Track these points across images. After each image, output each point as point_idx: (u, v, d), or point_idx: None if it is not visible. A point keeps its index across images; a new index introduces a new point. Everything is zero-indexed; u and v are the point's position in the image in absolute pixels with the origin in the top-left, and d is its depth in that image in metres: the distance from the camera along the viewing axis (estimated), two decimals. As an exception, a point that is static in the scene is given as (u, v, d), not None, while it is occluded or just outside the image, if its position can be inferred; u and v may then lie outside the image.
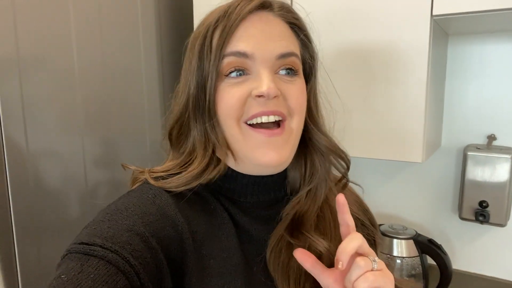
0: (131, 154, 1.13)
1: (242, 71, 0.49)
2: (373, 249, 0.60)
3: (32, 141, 0.86)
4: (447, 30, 1.00)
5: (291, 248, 0.52)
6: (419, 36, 0.82)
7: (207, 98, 0.49)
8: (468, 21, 0.87)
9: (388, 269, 0.73)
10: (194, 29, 1.12)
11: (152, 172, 0.53)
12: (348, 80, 0.91)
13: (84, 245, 0.40)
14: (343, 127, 0.59)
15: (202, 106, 0.49)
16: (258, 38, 0.48)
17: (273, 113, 0.48)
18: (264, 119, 0.48)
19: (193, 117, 0.51)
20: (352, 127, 0.91)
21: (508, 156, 0.98)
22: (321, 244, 0.52)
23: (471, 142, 1.08)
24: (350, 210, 0.51)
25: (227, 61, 0.48)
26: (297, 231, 0.54)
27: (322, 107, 0.58)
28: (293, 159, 0.55)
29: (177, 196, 0.50)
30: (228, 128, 0.49)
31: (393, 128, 0.88)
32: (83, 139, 0.98)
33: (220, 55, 0.48)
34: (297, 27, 0.53)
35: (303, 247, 0.52)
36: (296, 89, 0.50)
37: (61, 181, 0.94)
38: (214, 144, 0.50)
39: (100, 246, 0.40)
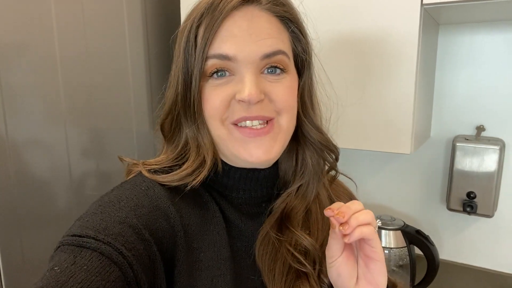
0: (117, 145, 1.11)
1: (225, 72, 0.48)
2: None
3: (12, 130, 0.84)
4: (438, 20, 0.99)
5: (278, 242, 0.52)
6: (410, 26, 0.81)
7: (193, 99, 0.48)
8: (458, 10, 0.86)
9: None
10: (181, 17, 1.10)
11: (146, 164, 0.53)
12: (337, 70, 0.90)
13: (77, 237, 0.40)
14: (337, 119, 0.58)
15: (189, 105, 0.49)
16: (242, 38, 0.46)
17: (256, 118, 0.47)
18: (248, 123, 0.48)
19: (183, 114, 0.50)
20: (342, 118, 0.90)
21: (496, 147, 0.98)
22: (306, 240, 0.52)
23: (460, 133, 1.07)
24: (334, 200, 0.52)
25: (211, 63, 0.47)
26: (284, 226, 0.54)
27: (320, 99, 0.57)
28: (285, 153, 0.55)
29: (170, 189, 0.50)
30: (214, 129, 0.49)
31: (382, 119, 0.87)
32: (66, 129, 0.96)
33: (203, 57, 0.47)
34: (287, 19, 0.51)
35: (289, 243, 0.52)
36: (282, 89, 0.49)
37: (44, 172, 0.92)
38: (203, 146, 0.50)
39: (93, 238, 0.40)
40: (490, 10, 0.86)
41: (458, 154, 1.03)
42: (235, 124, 0.48)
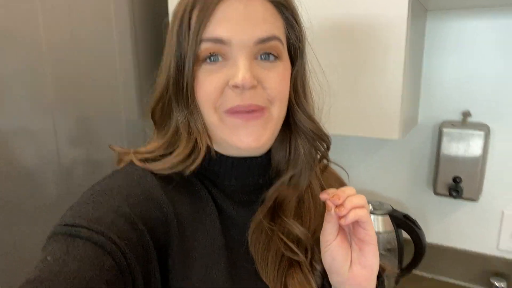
0: (106, 133, 1.10)
1: (219, 57, 0.47)
2: None
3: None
4: (426, 6, 1.00)
5: (271, 231, 0.52)
6: (398, 12, 0.81)
7: (186, 84, 0.47)
8: (446, -4, 0.86)
9: None
10: (169, 1, 1.07)
11: (137, 153, 0.52)
12: (327, 58, 0.90)
13: (69, 227, 0.40)
14: (329, 108, 0.58)
15: (182, 90, 0.48)
16: (236, 22, 0.46)
17: (250, 107, 0.47)
18: (241, 108, 0.47)
19: (175, 100, 0.50)
20: (331, 104, 0.91)
21: (481, 132, 1.00)
22: (298, 229, 0.53)
23: (447, 119, 1.09)
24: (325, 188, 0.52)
25: (204, 46, 0.46)
26: (276, 215, 0.54)
27: (312, 88, 0.57)
28: (277, 142, 0.54)
29: (162, 178, 0.50)
30: (206, 115, 0.49)
31: (371, 105, 0.88)
32: (54, 118, 0.94)
33: (197, 40, 0.46)
34: (282, 6, 0.50)
35: (282, 232, 0.52)
36: (276, 76, 0.48)
37: (32, 161, 0.91)
38: (196, 131, 0.50)
39: (86, 228, 0.39)
40: (478, -4, 0.87)
41: (444, 139, 1.04)
42: (228, 111, 0.48)
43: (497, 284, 1.02)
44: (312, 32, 0.57)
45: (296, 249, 0.52)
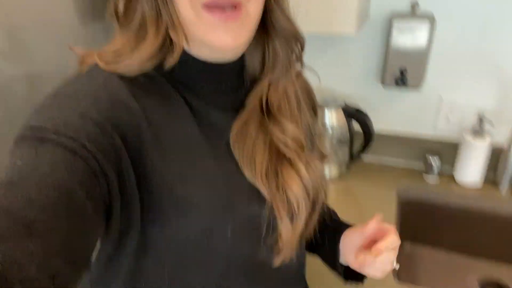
0: (43, 43, 0.99)
1: None
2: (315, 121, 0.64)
3: None
4: None
5: (258, 132, 0.53)
6: None
7: None
8: None
9: (321, 138, 0.84)
10: None
11: (101, 54, 0.48)
12: None
13: (37, 130, 0.38)
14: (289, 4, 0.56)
15: None
16: None
17: (229, 1, 0.44)
18: (220, 1, 0.44)
19: None
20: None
21: (427, 23, 1.04)
22: (290, 127, 0.54)
23: (396, 11, 1.11)
24: (299, 96, 0.57)
25: None
26: (261, 118, 0.55)
27: None
28: (252, 46, 0.53)
29: (130, 81, 0.47)
30: (182, 9, 0.45)
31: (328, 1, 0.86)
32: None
33: None
34: None
35: (266, 133, 0.54)
36: None
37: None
38: (167, 24, 0.46)
39: (54, 133, 0.37)
40: None
41: (394, 32, 1.08)
42: (205, 6, 0.44)
43: (432, 160, 1.17)
44: None
45: (290, 143, 0.54)
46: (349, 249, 0.63)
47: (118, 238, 0.48)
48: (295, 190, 0.53)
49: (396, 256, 0.58)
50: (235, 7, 0.45)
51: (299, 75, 0.62)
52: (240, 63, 0.55)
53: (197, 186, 0.48)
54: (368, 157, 1.31)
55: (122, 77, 0.46)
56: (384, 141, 1.27)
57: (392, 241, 0.56)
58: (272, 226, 0.53)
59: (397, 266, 0.59)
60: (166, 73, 0.49)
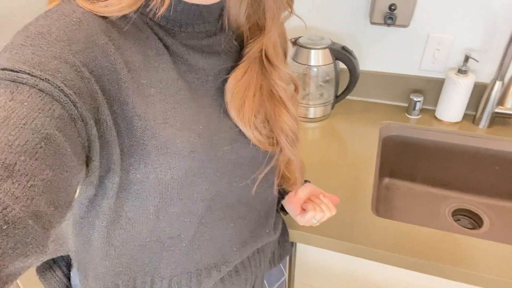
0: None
1: None
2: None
3: None
4: None
5: (254, 79, 0.56)
6: None
7: None
8: None
9: (305, 78, 0.87)
10: None
11: None
12: None
13: (10, 72, 0.36)
14: None
15: None
16: None
17: None
18: None
19: None
20: None
21: (420, -45, 0.99)
22: (284, 71, 0.58)
23: None
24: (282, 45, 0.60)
25: None
26: (265, 65, 0.57)
27: None
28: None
29: (106, 20, 0.44)
30: None
31: None
32: None
33: None
34: None
35: (266, 82, 0.57)
36: None
37: None
38: None
39: (29, 74, 0.36)
40: None
41: (384, -34, 1.03)
42: None
43: (415, 99, 1.19)
44: None
45: (286, 86, 0.59)
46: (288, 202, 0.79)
47: (98, 181, 0.49)
48: (290, 123, 0.59)
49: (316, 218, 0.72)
50: None
51: (285, 20, 0.61)
52: (219, 7, 0.53)
53: (179, 129, 0.48)
54: (353, 97, 1.32)
55: (98, 17, 0.44)
56: (370, 80, 1.28)
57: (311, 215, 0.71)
58: (266, 162, 0.60)
59: (316, 224, 0.74)
60: (142, 14, 0.48)
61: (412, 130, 1.20)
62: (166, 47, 0.50)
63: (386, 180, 1.29)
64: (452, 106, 1.16)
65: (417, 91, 1.23)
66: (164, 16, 0.49)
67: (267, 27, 0.56)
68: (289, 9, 0.58)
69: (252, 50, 0.56)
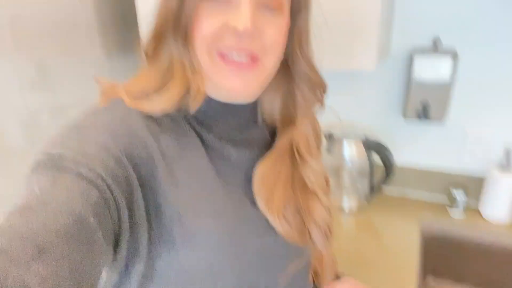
0: (70, 75, 1.04)
1: None
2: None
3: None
4: None
5: (284, 171, 0.56)
6: None
7: (186, 19, 0.46)
8: None
9: (340, 171, 0.87)
10: None
11: (128, 90, 0.50)
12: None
13: (55, 158, 0.39)
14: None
15: (181, 26, 0.47)
16: None
17: (244, 51, 0.46)
18: (235, 56, 0.47)
19: (172, 33, 0.48)
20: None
21: (450, 58, 1.03)
22: (315, 164, 0.58)
23: (417, 46, 1.11)
24: (316, 139, 0.61)
25: None
26: (295, 157, 0.58)
27: None
28: (272, 88, 0.55)
29: (148, 116, 0.49)
30: (201, 54, 0.48)
31: (348, 36, 0.87)
32: (13, 62, 0.88)
33: None
34: None
35: (297, 174, 0.58)
36: (275, 27, 0.47)
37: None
38: (191, 68, 0.49)
39: (72, 160, 0.39)
40: None
41: (415, 67, 1.07)
42: (221, 55, 0.47)
43: (457, 196, 1.14)
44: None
45: (318, 179, 0.58)
46: None
47: (124, 266, 0.49)
48: (323, 215, 0.58)
49: None
50: (251, 58, 0.47)
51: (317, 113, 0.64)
52: (253, 103, 0.57)
53: (207, 219, 0.49)
54: (389, 190, 1.28)
55: (140, 112, 0.48)
56: (406, 174, 1.25)
57: None
58: (296, 255, 0.57)
59: None
60: (180, 109, 0.51)
61: (456, 228, 1.13)
62: (201, 139, 0.53)
63: (430, 278, 1.18)
64: (497, 205, 1.10)
65: (458, 186, 1.18)
66: (200, 110, 0.53)
67: (297, 121, 0.58)
68: (320, 104, 0.60)
69: (282, 141, 0.58)
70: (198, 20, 0.46)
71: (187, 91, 0.50)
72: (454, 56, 1.04)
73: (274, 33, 0.47)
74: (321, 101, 0.60)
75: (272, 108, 0.58)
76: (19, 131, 0.92)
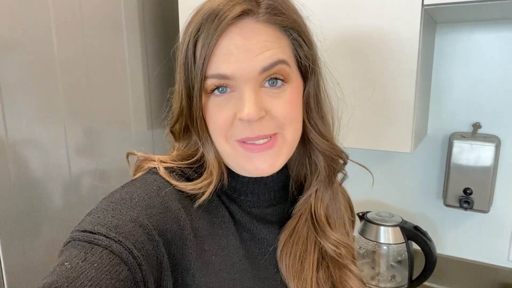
0: (115, 144, 1.10)
1: (225, 88, 0.47)
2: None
3: (11, 129, 0.83)
4: (436, 19, 1.00)
5: (307, 242, 0.54)
6: (410, 26, 0.81)
7: (195, 115, 0.48)
8: (456, 10, 0.87)
9: (375, 256, 0.81)
10: (180, 17, 1.08)
11: (163, 162, 0.53)
12: (339, 69, 0.90)
13: (88, 233, 0.40)
14: (348, 120, 0.58)
15: (193, 121, 0.50)
16: (237, 56, 0.45)
17: (258, 138, 0.47)
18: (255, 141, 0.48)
19: (190, 126, 0.51)
20: (343, 117, 0.91)
21: (492, 144, 1.00)
22: (333, 236, 0.56)
23: (456, 130, 1.09)
24: (339, 211, 0.58)
25: (210, 82, 0.47)
26: (314, 227, 0.56)
27: (331, 99, 0.57)
28: (295, 158, 0.56)
29: (181, 191, 0.50)
30: (219, 145, 0.50)
31: (383, 118, 0.88)
32: (65, 128, 0.95)
33: (202, 76, 0.46)
34: (288, 27, 0.49)
35: (319, 245, 0.55)
36: (283, 103, 0.48)
37: (43, 171, 0.91)
38: (209, 162, 0.51)
39: (104, 236, 0.39)
40: (488, 10, 0.88)
41: (454, 151, 1.05)
42: (240, 142, 0.48)
43: (508, 296, 1.02)
44: (324, 46, 0.57)
45: (342, 250, 0.56)
46: None
47: None
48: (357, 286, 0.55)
49: None
50: (270, 137, 0.48)
51: (341, 182, 0.62)
52: (284, 174, 0.57)
53: None
54: (431, 283, 1.17)
55: (174, 187, 0.50)
56: (450, 266, 1.15)
57: None
58: None
59: None
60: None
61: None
62: (231, 215, 0.53)
63: None
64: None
65: (508, 286, 1.06)
66: (231, 186, 0.54)
67: (313, 187, 0.56)
68: (340, 173, 0.59)
69: (297, 210, 0.57)
70: (208, 113, 0.48)
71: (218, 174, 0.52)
72: (497, 141, 1.01)
73: (284, 108, 0.48)
74: (341, 170, 0.59)
75: (298, 178, 0.59)
76: (63, 193, 0.96)
